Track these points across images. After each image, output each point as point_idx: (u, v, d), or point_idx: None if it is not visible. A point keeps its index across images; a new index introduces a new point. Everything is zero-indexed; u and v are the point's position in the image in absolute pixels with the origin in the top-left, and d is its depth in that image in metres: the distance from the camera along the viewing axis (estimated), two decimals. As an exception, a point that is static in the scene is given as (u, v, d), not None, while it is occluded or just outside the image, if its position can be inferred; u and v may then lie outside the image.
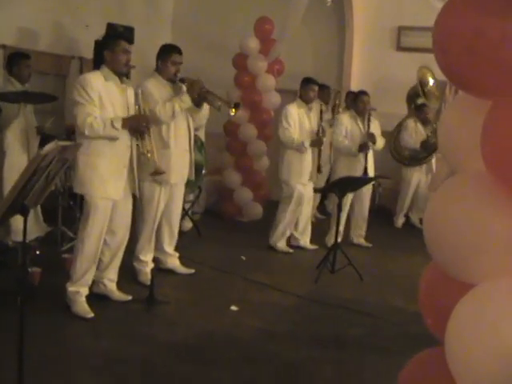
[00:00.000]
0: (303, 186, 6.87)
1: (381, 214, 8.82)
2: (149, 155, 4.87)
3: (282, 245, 7.01)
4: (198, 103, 5.34)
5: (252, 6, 9.16)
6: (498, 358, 1.73)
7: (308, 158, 6.86)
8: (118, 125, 4.54)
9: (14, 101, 5.66)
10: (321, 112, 6.97)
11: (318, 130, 6.80)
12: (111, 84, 4.64)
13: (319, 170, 6.98)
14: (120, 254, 5.00)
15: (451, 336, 1.89)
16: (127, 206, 4.94)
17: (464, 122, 1.88)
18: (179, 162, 5.46)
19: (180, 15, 10.72)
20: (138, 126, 4.75)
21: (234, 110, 5.38)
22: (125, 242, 5.00)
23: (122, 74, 4.73)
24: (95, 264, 4.75)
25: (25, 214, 3.18)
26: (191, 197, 7.85)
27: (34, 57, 7.80)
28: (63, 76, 8.40)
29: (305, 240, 7.20)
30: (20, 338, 2.99)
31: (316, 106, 7.20)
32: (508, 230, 1.78)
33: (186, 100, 5.18)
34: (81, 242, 4.67)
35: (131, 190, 4.91)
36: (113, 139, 4.57)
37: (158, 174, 5.02)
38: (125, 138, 4.69)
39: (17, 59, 6.18)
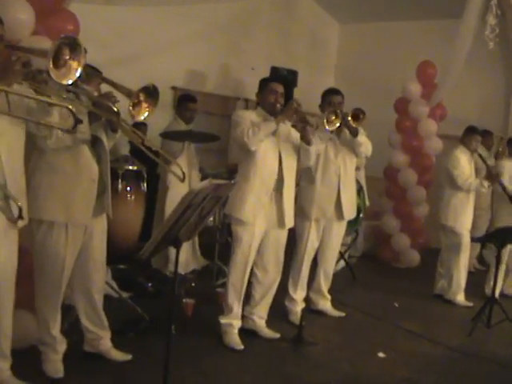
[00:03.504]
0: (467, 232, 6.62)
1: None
2: None
3: (461, 298, 6.66)
4: (352, 131, 5.29)
5: (415, 50, 9.10)
6: None
7: (472, 203, 6.66)
8: (272, 120, 4.66)
9: (179, 139, 5.98)
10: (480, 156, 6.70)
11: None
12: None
13: None
14: (272, 292, 5.05)
15: None
16: (278, 239, 4.94)
17: None
18: (324, 199, 5.45)
19: (343, 59, 10.90)
20: (295, 109, 4.66)
21: (335, 120, 4.88)
22: (277, 280, 5.03)
23: (274, 115, 4.74)
24: (241, 296, 4.85)
25: (177, 246, 3.36)
26: (348, 240, 7.84)
27: (202, 98, 8.28)
28: (228, 117, 8.75)
29: None
30: (165, 364, 3.15)
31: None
32: None
33: None
34: (229, 273, 4.85)
35: (279, 223, 4.88)
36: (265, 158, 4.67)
37: None
38: (271, 164, 4.73)
39: (183, 101, 6.57)
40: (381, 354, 4.92)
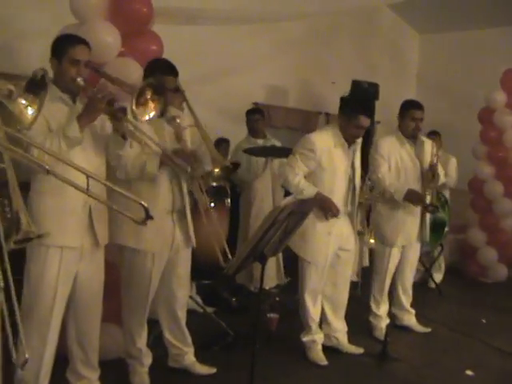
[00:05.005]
0: None
1: None
2: None
3: None
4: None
5: (498, 58, 8.82)
6: None
7: None
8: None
9: (261, 155, 6.01)
10: None
11: None
12: (338, 150, 4.62)
13: None
14: (343, 304, 4.98)
15: None
16: (347, 258, 4.88)
17: None
18: (409, 227, 5.32)
19: (424, 70, 10.72)
20: None
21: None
22: (346, 295, 4.97)
23: (349, 142, 4.66)
24: (317, 316, 4.82)
25: (263, 262, 3.37)
26: (434, 254, 7.67)
27: (283, 113, 8.34)
28: (311, 131, 8.74)
29: None
30: (250, 378, 3.17)
31: None
32: None
33: None
34: (301, 297, 4.81)
35: (347, 244, 4.82)
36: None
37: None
38: (337, 201, 4.61)
39: (246, 115, 6.61)
40: (469, 372, 4.78)
